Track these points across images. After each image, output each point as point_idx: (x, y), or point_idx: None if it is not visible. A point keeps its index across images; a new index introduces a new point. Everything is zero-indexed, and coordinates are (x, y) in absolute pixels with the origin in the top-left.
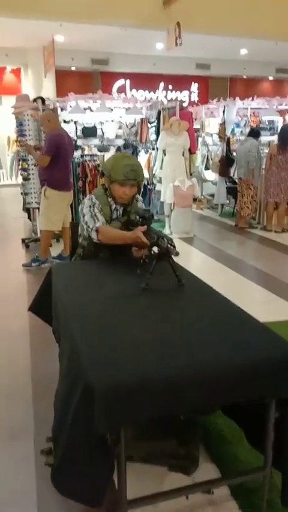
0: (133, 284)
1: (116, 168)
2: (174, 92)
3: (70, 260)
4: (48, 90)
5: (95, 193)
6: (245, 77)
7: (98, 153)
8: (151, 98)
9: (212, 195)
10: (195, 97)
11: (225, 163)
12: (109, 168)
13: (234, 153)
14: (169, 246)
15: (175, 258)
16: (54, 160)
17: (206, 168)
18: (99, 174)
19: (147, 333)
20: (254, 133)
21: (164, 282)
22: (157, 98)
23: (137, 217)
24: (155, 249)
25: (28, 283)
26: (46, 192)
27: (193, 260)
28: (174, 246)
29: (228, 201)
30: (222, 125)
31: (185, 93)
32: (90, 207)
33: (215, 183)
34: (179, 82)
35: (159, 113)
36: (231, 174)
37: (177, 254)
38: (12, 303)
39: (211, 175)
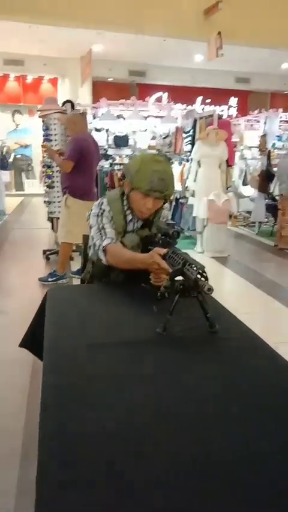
0: (145, 326)
1: (142, 173)
2: (212, 106)
3: (80, 274)
4: (84, 100)
5: (108, 196)
6: (286, 92)
7: None
8: (185, 108)
9: (249, 212)
10: (233, 112)
11: (265, 178)
12: (133, 171)
13: (275, 169)
14: (199, 277)
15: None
16: (78, 166)
17: (244, 184)
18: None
19: (152, 436)
20: None
21: (190, 327)
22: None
23: (159, 234)
24: (180, 279)
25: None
26: (67, 201)
27: (227, 283)
28: (206, 278)
29: (266, 219)
30: (263, 137)
31: (224, 107)
32: (97, 216)
33: (253, 200)
34: (218, 96)
35: (195, 122)
36: (271, 190)
37: (210, 290)
38: (18, 325)
39: (249, 190)
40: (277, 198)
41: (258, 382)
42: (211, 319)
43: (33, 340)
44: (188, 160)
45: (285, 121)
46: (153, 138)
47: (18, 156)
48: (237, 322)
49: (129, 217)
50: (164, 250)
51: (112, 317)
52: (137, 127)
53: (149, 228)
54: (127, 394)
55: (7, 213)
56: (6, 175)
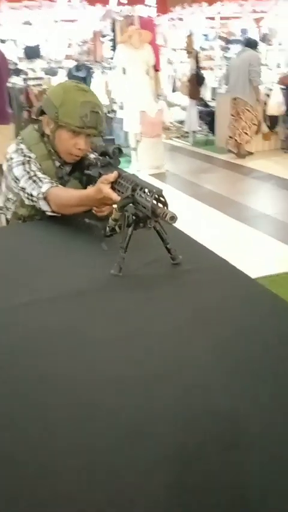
0: (96, 270)
1: (68, 106)
2: (128, 6)
3: None
4: None
5: (25, 140)
6: None
7: (44, 76)
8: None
9: (182, 122)
10: (152, 12)
11: (196, 82)
12: (57, 104)
13: (204, 71)
14: (155, 203)
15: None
16: None
17: (173, 91)
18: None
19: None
20: (251, 43)
21: (149, 262)
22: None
23: (94, 156)
24: (130, 208)
25: None
26: None
27: (169, 201)
28: (165, 204)
29: (200, 128)
30: (190, 37)
31: (140, 7)
32: (24, 164)
33: (184, 108)
34: None
35: (113, 24)
36: (202, 95)
37: (173, 219)
38: None
39: (179, 98)
40: (209, 103)
41: (238, 319)
42: (172, 250)
43: None
44: (111, 68)
45: (211, 17)
46: (70, 46)
47: None
48: (202, 250)
49: (57, 162)
50: (112, 175)
51: (54, 264)
52: (48, 35)
53: (80, 170)
54: (80, 358)
55: None
56: None
